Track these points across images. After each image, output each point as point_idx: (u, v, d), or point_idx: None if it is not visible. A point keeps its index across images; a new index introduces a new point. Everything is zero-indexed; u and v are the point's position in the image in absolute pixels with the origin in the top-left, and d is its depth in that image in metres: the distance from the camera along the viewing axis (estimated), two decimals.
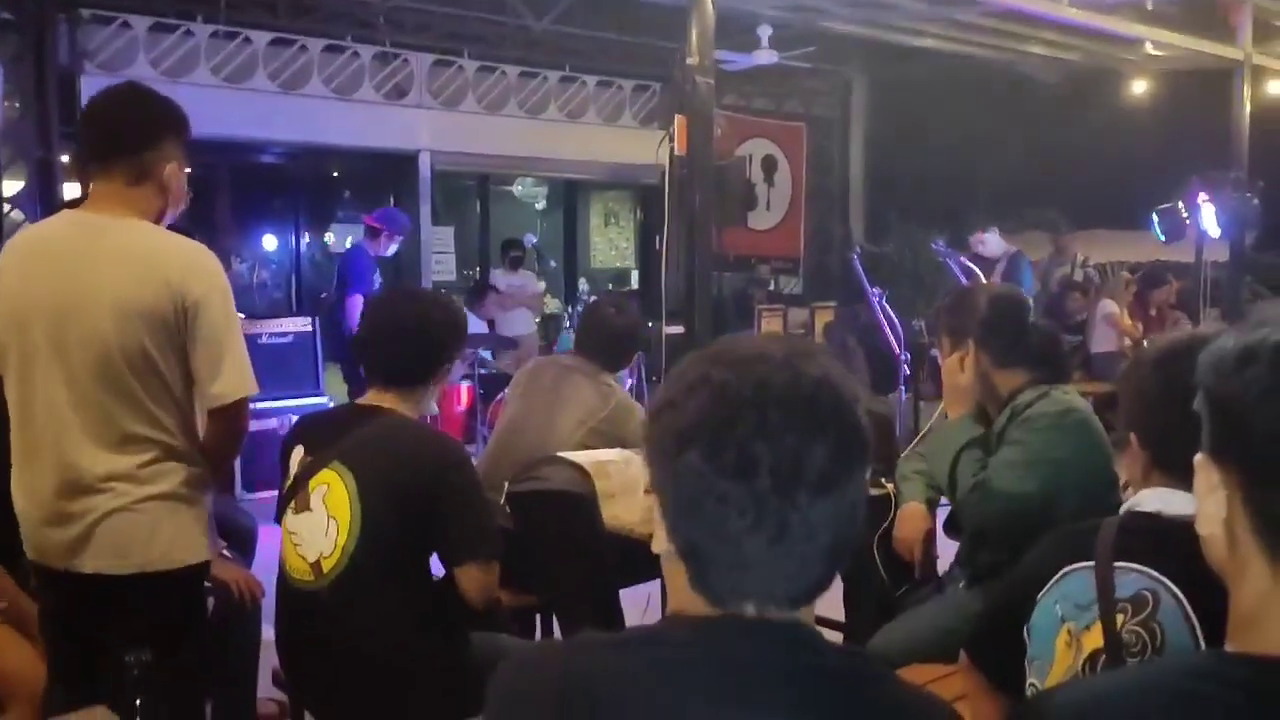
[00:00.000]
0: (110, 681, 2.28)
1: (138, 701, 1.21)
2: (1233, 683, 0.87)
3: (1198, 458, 0.96)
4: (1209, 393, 0.94)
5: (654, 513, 1.08)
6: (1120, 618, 1.40)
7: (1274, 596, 0.90)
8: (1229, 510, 0.92)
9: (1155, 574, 1.41)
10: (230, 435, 2.33)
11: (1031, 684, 1.53)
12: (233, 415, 2.28)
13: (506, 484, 3.08)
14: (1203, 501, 0.95)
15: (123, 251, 2.20)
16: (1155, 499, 1.50)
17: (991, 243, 7.48)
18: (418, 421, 2.49)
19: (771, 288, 10.42)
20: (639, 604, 3.06)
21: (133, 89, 2.37)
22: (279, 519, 2.45)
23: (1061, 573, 1.51)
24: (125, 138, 2.25)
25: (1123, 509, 1.55)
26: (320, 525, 2.32)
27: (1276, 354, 0.88)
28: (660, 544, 1.08)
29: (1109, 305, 8.07)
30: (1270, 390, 0.88)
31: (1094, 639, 1.41)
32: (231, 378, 2.24)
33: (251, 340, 5.90)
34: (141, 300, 2.16)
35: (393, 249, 7.34)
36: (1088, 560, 1.47)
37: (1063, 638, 1.45)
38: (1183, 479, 1.41)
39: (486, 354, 7.95)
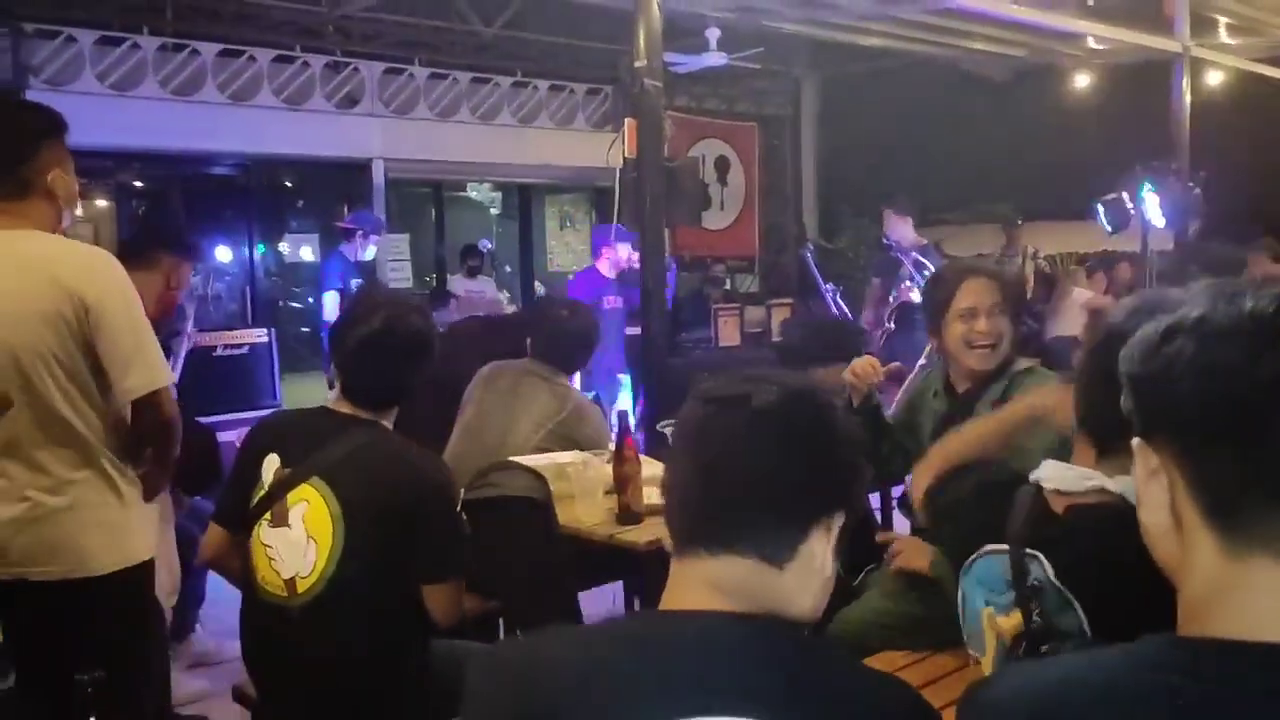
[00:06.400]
0: (34, 692, 2.29)
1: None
2: (1194, 672, 0.83)
3: (1134, 442, 0.91)
4: (1133, 379, 0.91)
5: None
6: (1032, 604, 1.47)
7: (1227, 579, 0.84)
8: (1172, 493, 0.87)
9: (1048, 568, 1.47)
10: (159, 426, 2.31)
11: (975, 659, 1.59)
12: (154, 406, 2.28)
13: (462, 490, 3.08)
14: (1144, 488, 0.90)
15: (15, 262, 2.20)
16: (1051, 473, 1.56)
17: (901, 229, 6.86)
18: (401, 439, 2.40)
19: (727, 287, 10.47)
20: (601, 607, 3.09)
21: None
22: (249, 527, 2.32)
23: (981, 552, 1.57)
24: None
25: (1031, 477, 1.60)
26: (299, 544, 2.24)
27: (1198, 326, 0.86)
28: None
29: (1085, 293, 8.16)
30: (1195, 357, 0.85)
31: (1014, 623, 1.47)
32: (143, 371, 2.25)
33: (207, 353, 5.90)
34: (41, 306, 2.17)
35: (371, 250, 7.26)
36: (1002, 544, 1.53)
37: (986, 619, 1.51)
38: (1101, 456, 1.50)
39: None
